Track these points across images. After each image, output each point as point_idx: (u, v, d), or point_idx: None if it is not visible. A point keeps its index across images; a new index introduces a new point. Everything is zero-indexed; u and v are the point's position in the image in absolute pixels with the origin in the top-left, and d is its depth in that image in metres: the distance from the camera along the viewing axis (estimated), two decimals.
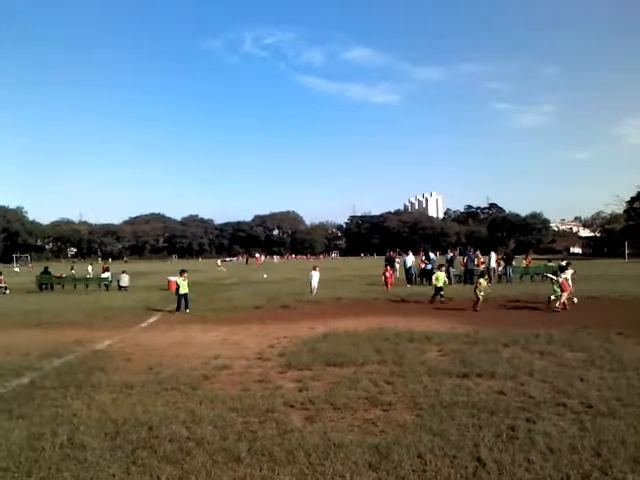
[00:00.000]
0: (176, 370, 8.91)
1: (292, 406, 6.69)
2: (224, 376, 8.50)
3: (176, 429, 5.81)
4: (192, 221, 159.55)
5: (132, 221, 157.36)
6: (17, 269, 62.67)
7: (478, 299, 17.01)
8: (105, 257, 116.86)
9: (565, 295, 16.26)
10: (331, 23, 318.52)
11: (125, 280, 31.12)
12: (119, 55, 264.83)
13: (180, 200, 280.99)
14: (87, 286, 33.15)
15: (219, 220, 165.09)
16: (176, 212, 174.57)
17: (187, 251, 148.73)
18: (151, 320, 16.26)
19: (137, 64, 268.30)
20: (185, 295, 18.34)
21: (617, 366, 8.31)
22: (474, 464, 4.72)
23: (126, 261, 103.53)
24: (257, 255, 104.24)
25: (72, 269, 38.41)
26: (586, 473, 4.47)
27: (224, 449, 5.20)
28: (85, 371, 8.89)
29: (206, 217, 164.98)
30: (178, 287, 18.41)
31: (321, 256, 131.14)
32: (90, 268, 42.99)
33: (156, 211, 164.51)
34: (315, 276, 22.03)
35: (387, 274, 24.32)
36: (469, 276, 28.20)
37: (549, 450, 4.99)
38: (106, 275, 32.79)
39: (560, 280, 16.51)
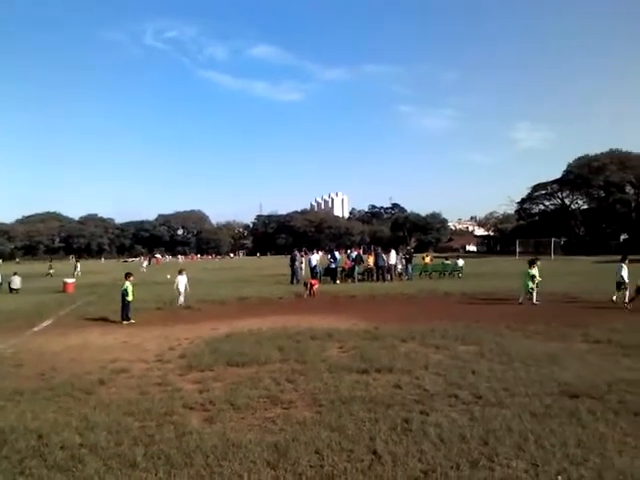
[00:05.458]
0: (70, 375, 8.56)
1: (192, 408, 6.64)
2: (121, 380, 8.27)
3: (68, 436, 5.60)
4: (90, 220, 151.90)
5: (25, 220, 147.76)
6: None
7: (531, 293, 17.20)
8: None
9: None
10: (235, 18, 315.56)
11: (16, 282, 29.33)
12: (14, 47, 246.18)
13: (78, 199, 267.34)
14: None
15: (121, 220, 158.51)
16: (74, 211, 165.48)
17: (85, 251, 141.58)
18: (45, 324, 15.43)
19: (32, 55, 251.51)
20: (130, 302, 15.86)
21: (505, 358, 8.88)
22: (370, 457, 4.90)
23: (18, 262, 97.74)
24: (157, 256, 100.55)
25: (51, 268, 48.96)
26: (475, 461, 4.75)
27: (119, 454, 5.08)
28: None
29: (106, 216, 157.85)
30: (126, 293, 15.71)
31: (218, 256, 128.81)
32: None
33: (52, 210, 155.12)
34: (182, 281, 19.53)
35: (312, 282, 22.97)
36: (380, 273, 28.98)
37: (440, 440, 5.25)
38: None
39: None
